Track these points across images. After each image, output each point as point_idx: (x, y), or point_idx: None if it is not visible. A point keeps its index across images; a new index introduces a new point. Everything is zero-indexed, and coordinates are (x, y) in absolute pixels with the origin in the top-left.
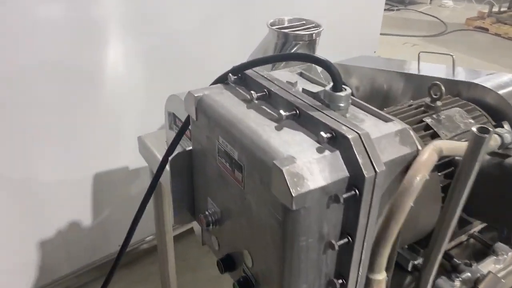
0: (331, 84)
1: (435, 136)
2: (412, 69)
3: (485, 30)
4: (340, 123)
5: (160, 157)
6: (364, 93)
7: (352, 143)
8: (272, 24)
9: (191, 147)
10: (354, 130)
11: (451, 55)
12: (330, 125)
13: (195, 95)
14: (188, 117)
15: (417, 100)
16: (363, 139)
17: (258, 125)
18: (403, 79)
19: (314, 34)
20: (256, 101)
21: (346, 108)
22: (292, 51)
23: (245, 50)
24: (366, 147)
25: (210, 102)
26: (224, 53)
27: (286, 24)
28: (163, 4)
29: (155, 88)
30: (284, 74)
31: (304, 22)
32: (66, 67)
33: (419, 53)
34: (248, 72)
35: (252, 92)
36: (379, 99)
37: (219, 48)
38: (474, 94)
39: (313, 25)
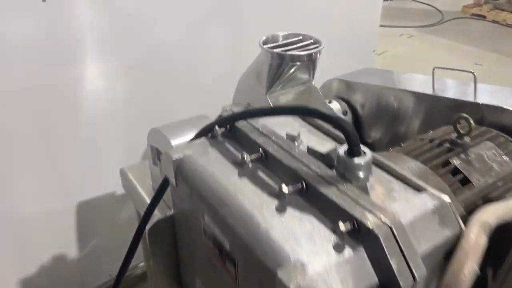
0: (345, 144)
1: (465, 181)
2: (423, 85)
3: (483, 17)
4: (362, 207)
5: (144, 195)
6: (370, 111)
7: (381, 239)
8: (265, 42)
9: (172, 212)
10: (382, 221)
11: (471, 72)
12: (349, 212)
13: (173, 157)
14: (165, 180)
15: (439, 131)
16: (395, 232)
17: (255, 206)
18: (414, 98)
19: (313, 54)
20: (250, 165)
21: (366, 177)
22: (290, 72)
23: (237, 61)
24: (400, 243)
25: (192, 167)
26: (215, 66)
27: (280, 41)
28: (146, 16)
29: (140, 107)
30: (284, 121)
31: (301, 37)
32: (39, 93)
33: (433, 69)
34: (239, 123)
35: (245, 154)
36: (387, 118)
37: (209, 61)
38: (501, 119)
39: (311, 41)
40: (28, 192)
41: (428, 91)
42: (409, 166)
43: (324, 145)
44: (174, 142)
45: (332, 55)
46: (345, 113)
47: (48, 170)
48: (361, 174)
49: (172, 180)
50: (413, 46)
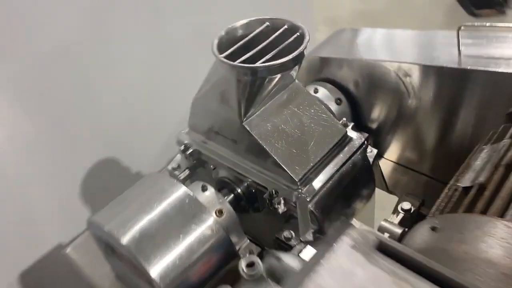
0: None
1: None
2: (426, 48)
3: None
4: None
5: None
6: (366, 88)
7: None
8: (220, 47)
9: None
10: None
11: None
12: None
13: None
14: None
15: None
16: None
17: None
18: (425, 69)
19: (299, 55)
20: None
21: None
22: (270, 86)
23: (173, 48)
24: None
25: None
26: (142, 58)
27: (242, 34)
28: (37, 8)
29: (62, 144)
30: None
31: (268, 24)
32: None
33: (458, 28)
34: None
35: None
36: (388, 94)
37: (133, 54)
38: None
39: (286, 26)
40: None
41: (451, 63)
42: None
43: None
44: (124, 239)
45: None
46: (338, 101)
47: None
48: None
49: None
50: None
